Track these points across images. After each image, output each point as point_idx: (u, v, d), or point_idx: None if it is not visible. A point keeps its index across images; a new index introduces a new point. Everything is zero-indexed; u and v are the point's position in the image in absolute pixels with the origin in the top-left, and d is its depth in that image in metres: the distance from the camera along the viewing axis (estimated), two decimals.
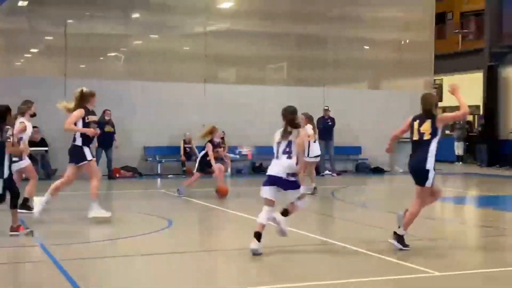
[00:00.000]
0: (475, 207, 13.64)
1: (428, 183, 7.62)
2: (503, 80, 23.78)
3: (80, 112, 9.46)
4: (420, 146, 7.67)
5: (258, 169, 18.92)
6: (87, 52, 18.62)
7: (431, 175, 7.58)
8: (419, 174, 7.65)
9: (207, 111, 18.47)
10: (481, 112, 24.34)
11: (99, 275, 6.78)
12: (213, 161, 12.76)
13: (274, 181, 7.47)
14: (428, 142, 7.61)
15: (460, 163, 24.36)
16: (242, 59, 20.60)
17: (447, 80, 26.49)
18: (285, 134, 7.58)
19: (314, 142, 13.45)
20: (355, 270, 6.92)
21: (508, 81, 23.68)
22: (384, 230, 8.57)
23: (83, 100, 9.54)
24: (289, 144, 7.54)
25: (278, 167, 7.49)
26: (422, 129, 7.66)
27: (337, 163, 19.85)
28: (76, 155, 9.52)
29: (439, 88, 26.74)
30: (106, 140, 16.78)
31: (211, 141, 12.84)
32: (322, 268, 7.15)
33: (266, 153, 18.97)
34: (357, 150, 20.65)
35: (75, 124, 9.43)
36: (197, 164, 13.07)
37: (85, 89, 9.61)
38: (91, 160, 9.55)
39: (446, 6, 27.97)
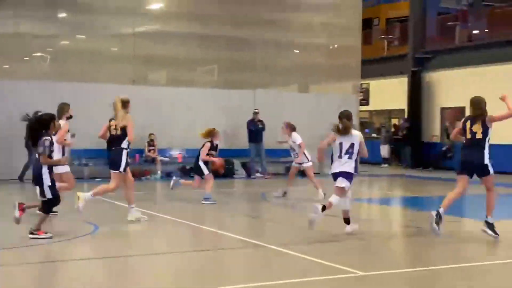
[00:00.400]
0: (400, 208, 14.04)
1: (492, 173, 8.78)
2: (426, 84, 24.63)
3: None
4: (475, 144, 8.71)
5: (188, 172, 18.80)
6: (12, 52, 18.05)
7: (490, 166, 8.77)
8: (481, 168, 8.74)
9: (135, 113, 18.13)
10: (406, 116, 25.09)
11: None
12: (207, 159, 12.52)
13: (339, 175, 8.69)
14: (481, 140, 8.68)
15: (386, 165, 25.04)
16: (171, 60, 20.46)
17: (374, 84, 27.22)
18: (347, 136, 8.68)
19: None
20: (280, 272, 6.99)
21: (431, 85, 24.55)
22: (311, 231, 8.69)
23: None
24: (352, 145, 8.68)
25: (341, 166, 8.66)
26: (474, 129, 8.70)
27: (268, 165, 20.01)
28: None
29: (366, 92, 27.42)
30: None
31: (211, 142, 12.64)
32: (248, 270, 7.19)
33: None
34: (288, 152, 20.81)
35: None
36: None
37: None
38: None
39: (373, 12, 28.74)
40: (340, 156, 8.72)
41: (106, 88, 18.42)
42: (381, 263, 7.61)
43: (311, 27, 21.93)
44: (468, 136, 8.77)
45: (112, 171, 9.82)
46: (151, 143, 18.49)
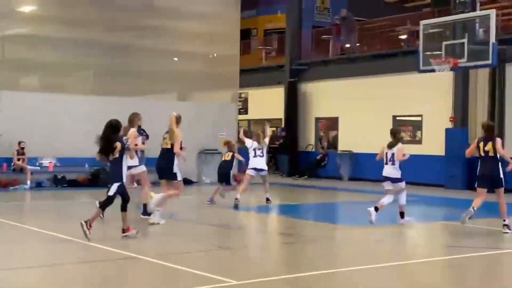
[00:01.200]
0: (276, 215, 14.30)
1: (503, 185, 10.60)
2: (302, 95, 25.38)
3: None
4: (489, 161, 10.53)
5: (60, 182, 18.10)
6: None
7: (503, 180, 10.61)
8: (496, 180, 10.54)
9: (3, 120, 17.34)
10: (283, 125, 25.69)
11: None
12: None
13: (387, 179, 11.25)
14: (494, 157, 10.50)
15: None
16: (45, 65, 19.62)
17: (252, 94, 27.67)
18: (391, 147, 11.18)
19: (255, 156, 14.36)
20: (152, 282, 6.87)
21: (307, 96, 25.33)
22: (190, 241, 8.63)
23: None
24: (393, 154, 11.11)
25: (388, 170, 11.20)
26: (487, 148, 10.52)
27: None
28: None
29: (245, 101, 27.82)
30: None
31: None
32: (120, 280, 7.01)
33: (70, 164, 18.45)
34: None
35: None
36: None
37: None
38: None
39: (251, 23, 29.24)
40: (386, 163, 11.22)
41: None
42: (255, 271, 7.68)
43: (190, 35, 21.90)
44: (482, 153, 10.58)
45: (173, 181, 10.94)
46: (20, 151, 17.58)
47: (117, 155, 9.27)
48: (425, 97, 20.80)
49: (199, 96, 22.67)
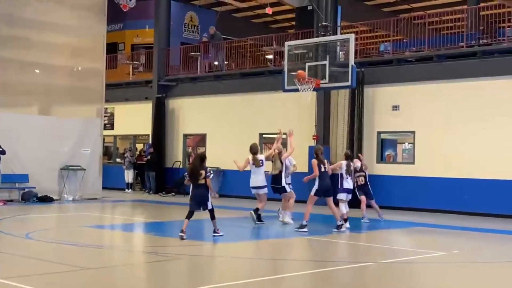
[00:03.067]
0: (142, 233, 14.04)
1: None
2: (170, 111, 25.25)
3: None
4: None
5: None
6: None
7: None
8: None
9: None
10: (150, 141, 25.35)
11: None
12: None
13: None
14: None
15: (130, 190, 24.98)
16: None
17: (119, 109, 27.11)
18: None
19: None
20: None
21: (175, 112, 25.23)
22: (48, 263, 8.24)
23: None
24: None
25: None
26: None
27: (1, 191, 18.69)
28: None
29: (111, 116, 27.18)
30: None
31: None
32: None
33: None
34: (25, 177, 19.69)
35: None
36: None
37: None
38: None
39: (118, 37, 28.70)
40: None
41: None
42: None
43: (53, 47, 21.09)
44: None
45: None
46: None
47: None
48: (289, 115, 21.45)
49: (63, 110, 21.78)
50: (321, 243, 12.19)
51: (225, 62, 24.90)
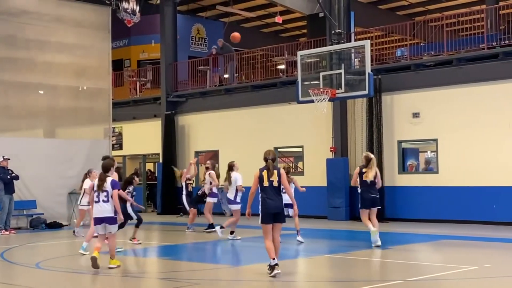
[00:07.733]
0: (157, 257, 13.27)
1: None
2: (180, 128, 24.48)
3: None
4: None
5: None
6: None
7: None
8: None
9: None
10: (161, 160, 24.54)
11: None
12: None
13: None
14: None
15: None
16: None
17: (127, 128, 26.35)
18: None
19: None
20: None
21: (185, 129, 24.46)
22: None
23: None
24: None
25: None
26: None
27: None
28: None
29: (119, 136, 26.41)
30: None
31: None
32: None
33: None
34: (32, 204, 18.98)
35: None
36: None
37: None
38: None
39: (123, 53, 28.01)
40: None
41: None
42: None
43: (57, 68, 20.40)
44: None
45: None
46: None
47: None
48: (305, 127, 20.68)
49: (69, 132, 21.05)
50: (344, 261, 11.39)
51: (235, 75, 24.12)
